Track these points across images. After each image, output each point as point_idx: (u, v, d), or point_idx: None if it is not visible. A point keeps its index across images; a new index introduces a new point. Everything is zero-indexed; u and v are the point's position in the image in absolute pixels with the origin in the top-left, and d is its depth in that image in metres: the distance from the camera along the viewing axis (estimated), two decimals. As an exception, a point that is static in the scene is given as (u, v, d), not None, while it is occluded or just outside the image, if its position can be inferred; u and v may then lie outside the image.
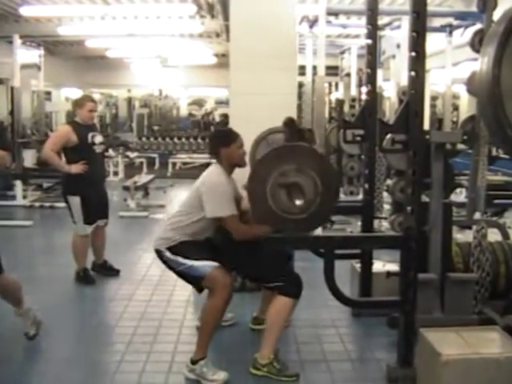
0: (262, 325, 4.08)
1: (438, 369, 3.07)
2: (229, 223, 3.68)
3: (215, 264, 3.68)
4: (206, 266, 3.68)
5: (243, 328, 4.46)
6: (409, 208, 3.41)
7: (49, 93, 16.17)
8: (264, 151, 4.42)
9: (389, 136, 3.35)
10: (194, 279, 3.77)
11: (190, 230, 3.79)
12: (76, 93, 19.11)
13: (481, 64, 2.94)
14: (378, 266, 4.76)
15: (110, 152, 14.24)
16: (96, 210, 5.76)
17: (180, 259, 3.73)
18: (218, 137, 4.05)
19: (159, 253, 3.84)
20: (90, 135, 5.63)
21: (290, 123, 4.22)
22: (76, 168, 5.52)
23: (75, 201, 5.59)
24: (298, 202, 3.37)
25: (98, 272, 5.96)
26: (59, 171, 5.71)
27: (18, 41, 10.35)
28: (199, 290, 3.94)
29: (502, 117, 2.86)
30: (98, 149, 5.74)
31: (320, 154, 3.68)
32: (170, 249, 3.78)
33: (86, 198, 5.60)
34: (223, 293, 3.65)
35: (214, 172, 3.86)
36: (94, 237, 5.93)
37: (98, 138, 5.73)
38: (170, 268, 3.85)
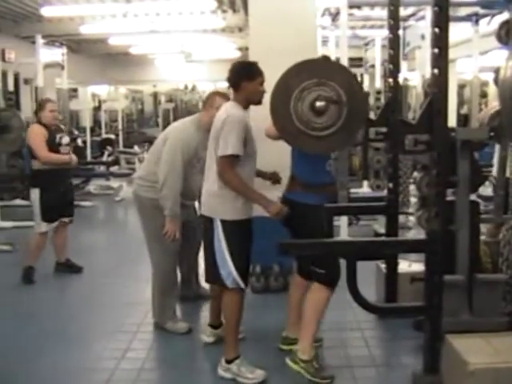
0: (293, 345, 3.82)
1: (465, 378, 2.96)
2: (225, 161, 3.50)
3: (242, 286, 3.64)
4: (235, 280, 3.61)
5: (266, 332, 4.38)
6: (433, 210, 3.29)
7: (75, 90, 16.22)
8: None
9: (411, 137, 3.23)
10: (217, 273, 3.64)
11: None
12: (104, 89, 19.22)
13: (506, 61, 2.81)
14: (404, 267, 4.64)
15: (136, 148, 14.26)
16: (58, 207, 5.81)
17: (224, 248, 3.58)
18: (242, 68, 3.73)
19: (208, 219, 3.67)
20: (58, 136, 5.80)
21: None
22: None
23: (35, 194, 5.69)
24: (317, 104, 3.15)
25: (61, 271, 6.00)
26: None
27: (40, 41, 10.36)
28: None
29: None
30: (64, 150, 5.84)
31: (342, 66, 3.55)
32: (223, 223, 3.59)
33: (46, 192, 5.68)
34: (235, 299, 3.67)
35: (229, 107, 3.67)
36: (56, 235, 5.98)
37: (65, 140, 5.87)
38: (207, 237, 3.69)
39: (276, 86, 3.28)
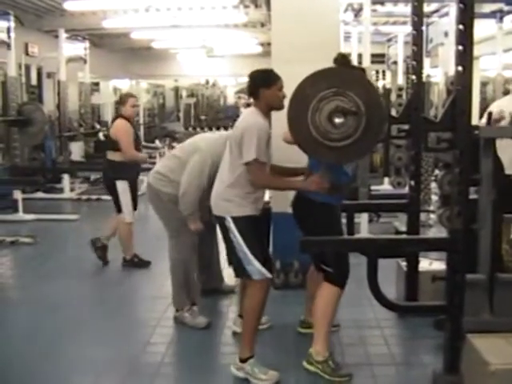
0: (311, 328, 3.89)
1: (486, 378, 2.93)
2: (252, 167, 3.50)
3: (268, 275, 3.61)
4: (260, 271, 3.58)
5: (284, 329, 4.37)
6: (456, 209, 3.26)
7: (97, 84, 16.30)
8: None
9: (433, 134, 3.21)
10: (242, 268, 3.63)
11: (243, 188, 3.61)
12: (125, 83, 19.30)
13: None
14: (425, 265, 4.61)
15: (157, 143, 14.28)
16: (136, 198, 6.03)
17: (241, 242, 3.58)
18: (259, 77, 3.71)
19: (221, 219, 3.67)
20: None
21: (341, 60, 3.82)
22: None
23: (124, 186, 5.84)
24: (337, 120, 3.17)
25: (129, 266, 6.06)
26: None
27: (63, 35, 10.44)
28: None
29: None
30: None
31: (360, 74, 3.62)
32: (234, 220, 3.59)
33: (132, 184, 5.91)
34: (259, 293, 3.61)
35: (250, 114, 3.68)
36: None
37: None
38: (225, 237, 3.70)
39: (293, 96, 3.28)
